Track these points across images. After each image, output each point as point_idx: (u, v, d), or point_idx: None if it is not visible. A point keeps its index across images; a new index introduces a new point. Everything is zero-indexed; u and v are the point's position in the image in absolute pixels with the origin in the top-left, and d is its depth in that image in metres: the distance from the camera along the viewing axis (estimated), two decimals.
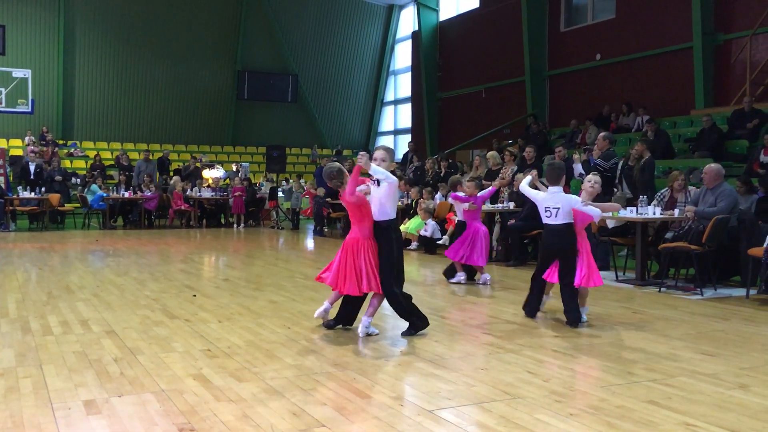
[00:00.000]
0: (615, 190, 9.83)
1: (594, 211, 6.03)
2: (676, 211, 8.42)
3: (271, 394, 3.88)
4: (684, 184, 9.09)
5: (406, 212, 13.62)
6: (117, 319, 5.95)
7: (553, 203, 5.99)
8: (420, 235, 12.41)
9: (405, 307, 5.43)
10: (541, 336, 5.45)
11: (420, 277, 9.49)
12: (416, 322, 5.46)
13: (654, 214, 8.33)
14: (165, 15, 25.02)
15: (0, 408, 3.58)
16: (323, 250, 12.93)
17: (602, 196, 9.51)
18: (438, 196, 13.44)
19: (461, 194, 8.56)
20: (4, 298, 6.95)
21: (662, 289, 7.94)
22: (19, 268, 9.45)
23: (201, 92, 26.32)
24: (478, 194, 8.52)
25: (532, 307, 6.31)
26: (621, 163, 10.66)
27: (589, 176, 6.29)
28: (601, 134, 10.37)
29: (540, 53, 20.31)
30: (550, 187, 6.12)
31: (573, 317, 5.88)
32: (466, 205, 8.46)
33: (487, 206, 11.00)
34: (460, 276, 8.36)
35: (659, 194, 9.25)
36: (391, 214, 5.47)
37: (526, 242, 10.81)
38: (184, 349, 4.90)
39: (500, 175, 12.25)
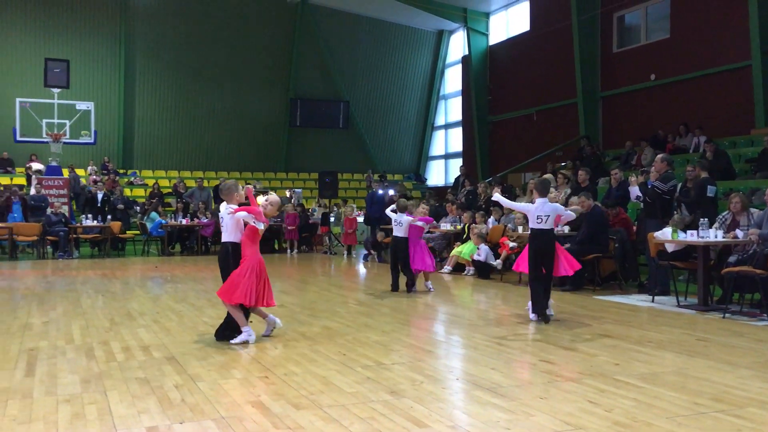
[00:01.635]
0: (675, 213, 9.59)
1: (571, 214, 7.65)
2: (740, 234, 8.16)
3: (329, 422, 3.88)
4: (744, 206, 8.81)
5: (458, 237, 13.55)
6: (177, 345, 6.06)
7: (545, 212, 7.16)
8: (473, 260, 12.32)
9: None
10: (601, 364, 5.32)
11: (473, 302, 9.41)
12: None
13: (716, 237, 8.09)
14: (220, 46, 25.71)
15: None
16: (376, 276, 12.95)
17: (660, 219, 9.34)
18: (491, 220, 13.35)
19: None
20: (69, 325, 7.16)
21: (726, 314, 7.68)
22: (83, 294, 9.73)
23: (255, 120, 26.86)
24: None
25: (540, 308, 7.18)
26: (679, 185, 10.42)
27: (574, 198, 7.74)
28: (659, 156, 10.15)
29: (592, 75, 20.12)
30: (538, 199, 7.26)
31: (538, 307, 7.19)
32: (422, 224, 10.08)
33: None
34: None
35: (721, 217, 8.98)
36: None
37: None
38: (243, 375, 4.96)
39: (553, 197, 12.12)
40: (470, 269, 12.58)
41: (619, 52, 19.66)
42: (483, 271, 12.10)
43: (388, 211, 10.38)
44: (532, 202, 12.79)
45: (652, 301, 8.85)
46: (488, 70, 24.76)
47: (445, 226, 14.12)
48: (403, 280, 9.97)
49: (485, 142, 24.76)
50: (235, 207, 6.35)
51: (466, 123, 25.99)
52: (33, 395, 4.43)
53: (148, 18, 25.01)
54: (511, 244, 11.72)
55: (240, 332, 6.14)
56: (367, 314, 7.87)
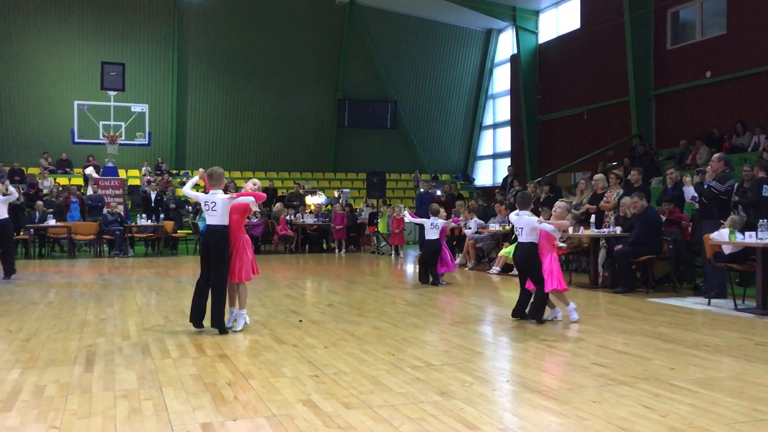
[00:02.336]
0: (732, 213, 9.33)
1: (547, 227, 7.23)
2: None
3: (379, 422, 3.90)
4: None
5: (507, 237, 13.43)
6: (228, 343, 6.16)
7: (519, 224, 7.28)
8: None
9: None
10: (655, 368, 5.21)
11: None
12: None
13: None
14: (270, 48, 26.06)
15: (124, 429, 3.78)
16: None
17: (717, 219, 9.10)
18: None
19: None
20: (125, 322, 7.35)
21: None
22: (137, 292, 9.97)
23: (303, 121, 27.13)
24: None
25: (519, 310, 7.34)
26: (736, 185, 10.13)
27: (558, 202, 7.56)
28: (716, 155, 9.89)
29: (645, 72, 19.71)
30: (518, 211, 7.34)
31: (518, 310, 7.33)
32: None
33: (593, 231, 10.72)
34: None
35: None
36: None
37: (634, 268, 10.40)
38: (293, 374, 5.01)
39: (605, 198, 11.93)
40: None
41: (673, 48, 19.21)
42: None
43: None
44: (581, 202, 12.67)
45: (708, 304, 8.62)
46: (537, 69, 24.49)
47: (494, 226, 14.02)
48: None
49: (534, 141, 24.50)
50: (236, 193, 6.98)
51: (515, 122, 25.76)
52: (92, 390, 4.56)
53: (199, 21, 25.50)
54: (561, 245, 11.56)
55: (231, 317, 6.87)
56: (416, 314, 7.87)
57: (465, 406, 4.19)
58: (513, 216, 7.49)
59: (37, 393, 4.49)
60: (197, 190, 7.50)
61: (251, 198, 6.84)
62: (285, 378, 4.90)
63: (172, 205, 19.22)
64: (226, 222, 6.68)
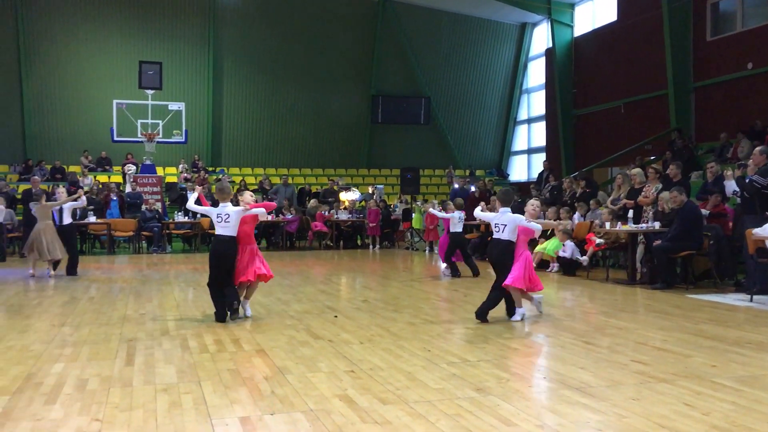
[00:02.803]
0: None
1: (535, 226, 7.29)
2: None
3: (416, 417, 3.90)
4: None
5: (542, 233, 13.29)
6: (265, 338, 6.22)
7: (501, 221, 7.12)
8: (558, 257, 12.08)
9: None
10: (696, 365, 5.12)
11: (559, 300, 9.23)
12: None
13: None
14: (304, 46, 26.19)
15: (165, 422, 3.84)
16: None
17: (759, 214, 8.89)
18: (576, 216, 13.06)
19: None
20: (164, 317, 7.47)
21: None
22: (175, 287, 10.12)
23: (337, 118, 27.21)
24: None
25: (483, 311, 7.12)
26: None
27: (531, 200, 7.60)
28: (758, 149, 9.65)
29: (684, 64, 19.33)
30: (500, 208, 7.27)
31: (482, 309, 7.07)
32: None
33: (630, 226, 10.56)
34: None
35: None
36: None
37: (673, 264, 10.22)
38: (329, 369, 5.04)
39: (643, 193, 11.74)
40: (554, 266, 12.35)
41: (713, 40, 18.80)
42: (568, 267, 11.86)
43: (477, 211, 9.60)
44: (618, 197, 12.50)
45: (751, 300, 8.44)
46: (573, 63, 24.18)
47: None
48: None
49: (570, 136, 24.21)
50: (249, 204, 7.34)
51: (550, 117, 25.48)
52: (133, 384, 4.65)
53: (234, 20, 25.74)
54: (598, 241, 11.44)
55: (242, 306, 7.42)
56: (451, 310, 7.85)
57: (502, 403, 4.17)
58: (494, 214, 7.43)
59: (79, 386, 4.59)
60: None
61: (262, 209, 7.44)
62: (321, 373, 4.93)
63: (209, 202, 19.42)
64: (235, 233, 7.20)
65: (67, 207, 11.94)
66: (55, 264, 11.63)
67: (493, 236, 7.22)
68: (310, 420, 3.87)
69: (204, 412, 4.02)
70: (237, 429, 3.74)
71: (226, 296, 7.11)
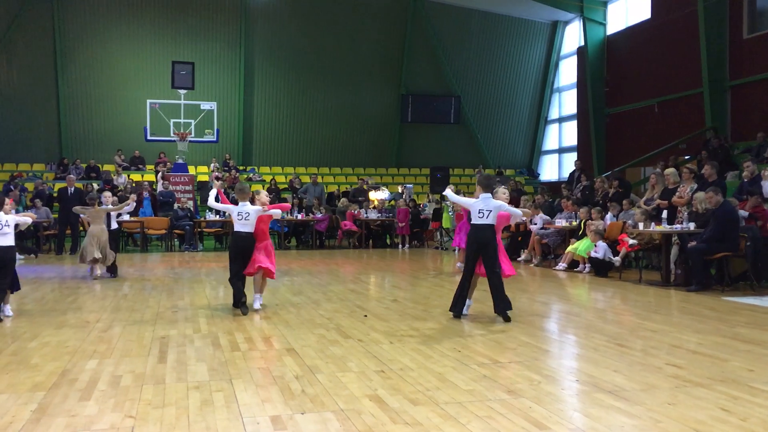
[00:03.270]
0: None
1: (517, 212, 7.47)
2: None
3: (447, 419, 3.87)
4: None
5: (574, 233, 13.17)
6: (295, 337, 6.24)
7: (486, 206, 7.15)
8: (590, 257, 11.94)
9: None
10: (733, 370, 5.02)
11: (590, 301, 9.12)
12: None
13: None
14: (334, 45, 26.26)
15: (197, 420, 3.87)
16: None
17: None
18: (608, 216, 12.89)
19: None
20: (196, 314, 7.54)
21: None
22: (207, 285, 10.22)
23: (367, 117, 27.24)
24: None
25: (460, 307, 7.30)
26: None
27: (501, 188, 7.59)
28: None
29: (720, 62, 18.97)
30: (482, 194, 7.24)
31: (503, 305, 7.03)
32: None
33: (665, 227, 10.39)
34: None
35: None
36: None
37: (708, 265, 10.03)
38: (359, 369, 5.04)
39: (677, 193, 11.56)
40: (585, 266, 12.21)
41: (750, 38, 18.42)
42: (600, 268, 11.71)
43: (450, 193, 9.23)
44: (652, 197, 12.31)
45: None
46: (605, 61, 23.88)
47: (560, 222, 13.76)
48: None
49: (602, 135, 23.91)
50: (267, 205, 7.92)
51: (582, 116, 25.20)
52: (165, 381, 4.69)
53: (265, 20, 25.89)
54: (631, 242, 11.28)
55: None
56: (481, 311, 7.79)
57: (533, 405, 4.12)
58: (477, 200, 7.24)
59: (113, 383, 4.64)
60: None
61: (278, 211, 8.22)
62: (351, 373, 4.92)
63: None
64: (253, 230, 7.81)
65: (121, 212, 12.25)
66: (110, 268, 11.32)
67: (475, 221, 7.20)
68: (341, 420, 3.87)
69: (235, 410, 4.04)
70: (268, 428, 3.75)
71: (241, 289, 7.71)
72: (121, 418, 3.90)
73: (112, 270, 11.40)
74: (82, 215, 11.93)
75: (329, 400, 4.23)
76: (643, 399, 4.26)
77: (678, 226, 10.49)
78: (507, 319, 7.03)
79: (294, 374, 4.87)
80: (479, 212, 7.16)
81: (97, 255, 10.96)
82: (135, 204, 13.35)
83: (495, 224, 7.20)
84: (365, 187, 21.77)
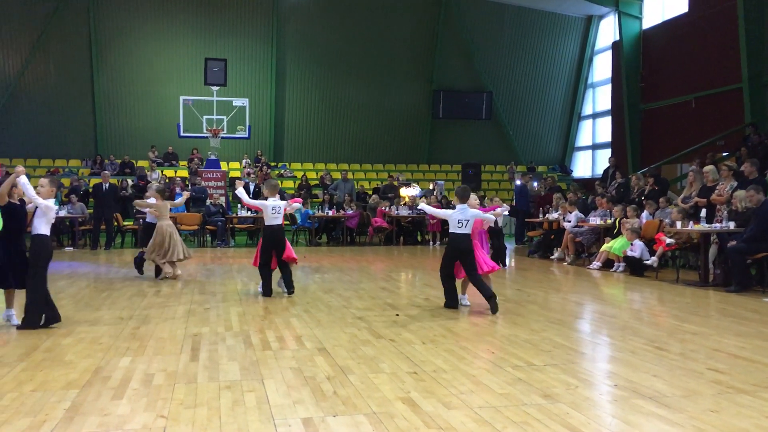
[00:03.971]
0: None
1: (489, 217, 7.88)
2: None
3: (481, 424, 3.79)
4: None
5: (608, 231, 12.95)
6: (327, 336, 6.20)
7: (465, 216, 7.55)
8: (625, 256, 11.72)
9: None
10: None
11: (626, 301, 8.94)
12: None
13: None
14: (365, 41, 26.18)
15: (228, 421, 3.84)
16: (519, 270, 12.66)
17: None
18: (644, 214, 12.64)
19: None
20: (228, 312, 7.55)
21: None
22: (239, 282, 10.24)
23: (398, 113, 27.13)
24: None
25: (453, 302, 7.78)
26: None
27: (472, 195, 7.85)
28: None
29: (760, 57, 18.47)
30: (459, 205, 7.64)
31: (493, 301, 7.42)
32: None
33: (704, 226, 10.15)
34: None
35: None
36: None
37: (749, 266, 9.76)
38: (392, 370, 4.97)
39: (716, 191, 11.29)
40: (620, 265, 11.99)
41: None
42: (636, 267, 11.48)
43: (425, 206, 9.22)
44: (690, 195, 12.04)
45: None
46: (641, 56, 23.43)
47: (595, 220, 13.54)
48: None
49: (637, 131, 23.49)
50: (290, 200, 9.14)
51: (616, 112, 24.78)
52: (197, 380, 4.68)
53: (297, 16, 25.93)
54: (668, 241, 11.04)
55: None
56: (515, 311, 7.68)
57: (571, 411, 4.02)
58: (455, 210, 7.64)
59: (146, 381, 4.64)
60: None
61: (299, 204, 9.35)
62: (384, 374, 4.86)
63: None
64: (282, 222, 8.82)
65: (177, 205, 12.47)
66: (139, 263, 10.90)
67: (455, 231, 7.60)
68: (373, 423, 3.81)
69: (267, 411, 4.01)
70: (299, 430, 3.70)
71: (284, 275, 8.76)
72: (153, 418, 3.89)
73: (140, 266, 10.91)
74: (146, 210, 10.79)
75: (361, 403, 4.18)
76: (684, 406, 4.13)
77: (717, 225, 10.24)
78: (495, 310, 7.41)
79: (326, 375, 4.83)
80: (458, 222, 7.57)
81: (187, 254, 10.44)
82: (184, 197, 13.34)
83: (471, 232, 7.65)
84: (395, 183, 21.69)
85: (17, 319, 6.55)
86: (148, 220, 10.89)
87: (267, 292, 8.65)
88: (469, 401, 4.20)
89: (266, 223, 8.71)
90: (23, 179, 6.16)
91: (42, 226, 6.41)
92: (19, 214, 6.48)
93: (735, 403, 4.19)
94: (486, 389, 4.47)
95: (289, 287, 8.67)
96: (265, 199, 8.81)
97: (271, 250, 8.64)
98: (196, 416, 3.92)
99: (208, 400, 4.22)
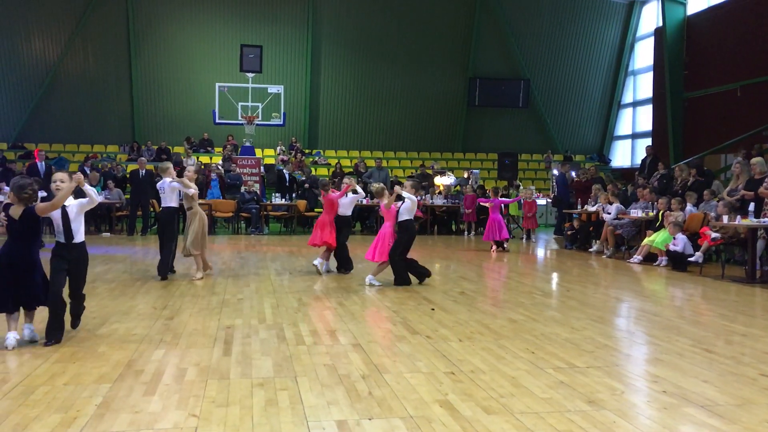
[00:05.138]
0: None
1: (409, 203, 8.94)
2: None
3: (523, 431, 3.62)
4: None
5: (651, 224, 12.59)
6: (361, 331, 6.07)
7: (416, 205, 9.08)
8: (668, 250, 11.38)
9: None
10: None
11: (668, 297, 8.65)
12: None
13: None
14: (401, 28, 25.93)
15: (261, 422, 3.73)
16: (557, 263, 12.39)
17: None
18: (689, 207, 12.26)
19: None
20: (261, 303, 7.47)
21: None
22: (272, 271, 10.18)
23: (433, 100, 26.86)
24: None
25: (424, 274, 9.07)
26: None
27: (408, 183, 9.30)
28: None
29: None
30: (406, 194, 8.90)
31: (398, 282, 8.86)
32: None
33: (751, 220, 9.78)
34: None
35: None
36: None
37: None
38: (428, 369, 4.82)
39: (765, 184, 10.87)
40: (663, 259, 11.65)
41: None
42: (679, 262, 11.14)
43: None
44: (736, 188, 11.63)
45: None
46: (685, 43, 22.78)
47: (636, 212, 13.18)
48: None
49: (679, 120, 22.87)
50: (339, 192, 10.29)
51: (658, 100, 24.17)
52: (230, 376, 4.58)
53: (332, 2, 25.74)
54: (714, 235, 10.67)
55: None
56: (554, 307, 7.47)
57: (618, 419, 3.82)
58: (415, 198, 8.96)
59: (178, 376, 4.56)
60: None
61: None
62: (420, 374, 4.71)
63: (306, 185, 19.59)
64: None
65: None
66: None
67: (408, 219, 8.96)
68: (410, 428, 3.66)
69: (300, 412, 3.89)
70: None
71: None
72: (185, 417, 3.79)
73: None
74: (187, 191, 9.16)
75: (397, 405, 4.03)
76: (738, 416, 3.91)
77: (766, 219, 9.86)
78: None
79: (360, 373, 4.70)
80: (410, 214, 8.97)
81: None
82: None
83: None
84: (430, 171, 21.47)
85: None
86: (169, 204, 9.08)
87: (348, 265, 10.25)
88: (509, 406, 4.03)
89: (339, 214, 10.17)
90: (89, 187, 5.53)
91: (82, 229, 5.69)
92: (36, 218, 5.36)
93: None
94: (527, 393, 4.30)
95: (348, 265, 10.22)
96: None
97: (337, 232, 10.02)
98: (228, 416, 3.82)
99: (240, 399, 4.11)
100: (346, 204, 10.19)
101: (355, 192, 10.43)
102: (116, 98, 25.07)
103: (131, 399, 4.08)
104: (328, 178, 10.67)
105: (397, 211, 9.03)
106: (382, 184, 9.61)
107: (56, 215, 5.47)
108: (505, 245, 14.31)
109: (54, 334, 5.38)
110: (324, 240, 9.91)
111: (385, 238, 9.04)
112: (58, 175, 5.60)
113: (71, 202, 5.53)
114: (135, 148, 23.77)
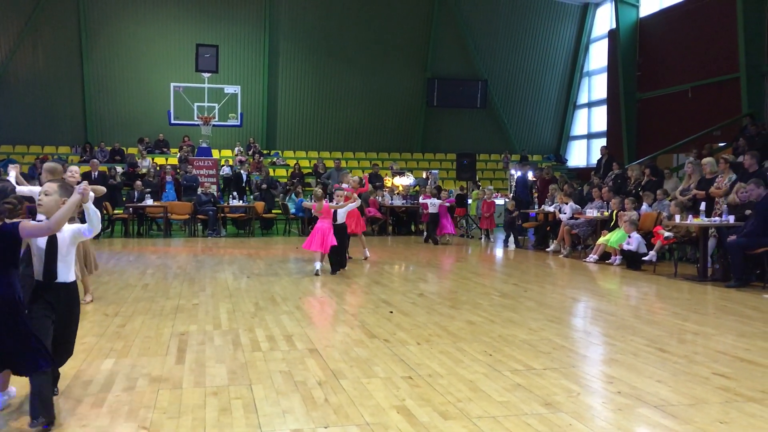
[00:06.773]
0: None
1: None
2: None
3: None
4: None
5: (605, 224, 12.77)
6: (319, 336, 6.00)
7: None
8: (622, 249, 11.55)
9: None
10: None
11: (623, 297, 8.77)
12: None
13: None
14: (359, 28, 25.87)
15: None
16: (515, 262, 12.49)
17: None
18: (644, 206, 12.47)
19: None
20: (217, 308, 7.33)
21: None
22: (229, 275, 10.02)
23: (392, 101, 26.86)
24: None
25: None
26: None
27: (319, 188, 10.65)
28: None
29: (757, 46, 18.28)
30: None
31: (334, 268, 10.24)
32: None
33: (703, 220, 9.98)
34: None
35: None
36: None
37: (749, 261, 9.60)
38: (386, 374, 4.78)
39: (716, 183, 11.11)
40: (616, 258, 11.83)
41: None
42: (633, 261, 11.32)
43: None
44: (688, 187, 11.86)
45: None
46: (638, 44, 23.22)
47: (591, 212, 13.36)
48: None
49: (633, 121, 23.30)
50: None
51: (612, 101, 24.59)
52: (182, 385, 4.47)
53: (289, 2, 25.54)
54: (666, 234, 10.86)
55: None
56: (512, 308, 7.50)
57: (574, 422, 3.83)
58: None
59: (128, 387, 4.43)
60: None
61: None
62: (377, 379, 4.66)
63: (264, 186, 19.40)
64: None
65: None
66: None
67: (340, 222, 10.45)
68: None
69: (254, 421, 3.81)
70: None
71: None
72: (134, 429, 3.68)
73: None
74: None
75: (354, 412, 3.98)
76: (692, 416, 3.95)
77: (717, 218, 10.07)
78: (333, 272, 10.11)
79: (317, 380, 4.63)
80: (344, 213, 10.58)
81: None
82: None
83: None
84: (381, 173, 21.44)
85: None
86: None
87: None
88: (467, 410, 4.01)
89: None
90: (93, 208, 4.04)
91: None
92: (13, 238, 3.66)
93: (744, 412, 4.01)
94: (484, 396, 4.28)
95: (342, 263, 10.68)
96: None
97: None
98: (179, 427, 3.71)
99: (193, 409, 4.01)
100: (342, 213, 10.61)
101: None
102: (68, 98, 24.45)
103: (79, 412, 3.94)
104: (321, 190, 10.61)
105: (335, 212, 10.36)
106: (321, 191, 10.64)
107: (40, 243, 3.91)
108: (440, 240, 15.98)
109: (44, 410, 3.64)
110: (331, 245, 10.07)
111: (324, 231, 10.00)
112: (47, 186, 4.00)
113: (67, 227, 3.98)
114: (87, 150, 23.22)
